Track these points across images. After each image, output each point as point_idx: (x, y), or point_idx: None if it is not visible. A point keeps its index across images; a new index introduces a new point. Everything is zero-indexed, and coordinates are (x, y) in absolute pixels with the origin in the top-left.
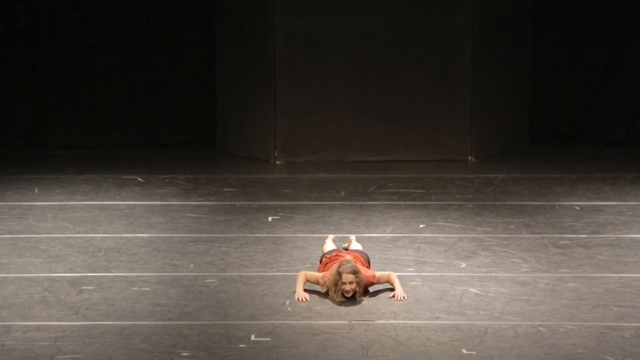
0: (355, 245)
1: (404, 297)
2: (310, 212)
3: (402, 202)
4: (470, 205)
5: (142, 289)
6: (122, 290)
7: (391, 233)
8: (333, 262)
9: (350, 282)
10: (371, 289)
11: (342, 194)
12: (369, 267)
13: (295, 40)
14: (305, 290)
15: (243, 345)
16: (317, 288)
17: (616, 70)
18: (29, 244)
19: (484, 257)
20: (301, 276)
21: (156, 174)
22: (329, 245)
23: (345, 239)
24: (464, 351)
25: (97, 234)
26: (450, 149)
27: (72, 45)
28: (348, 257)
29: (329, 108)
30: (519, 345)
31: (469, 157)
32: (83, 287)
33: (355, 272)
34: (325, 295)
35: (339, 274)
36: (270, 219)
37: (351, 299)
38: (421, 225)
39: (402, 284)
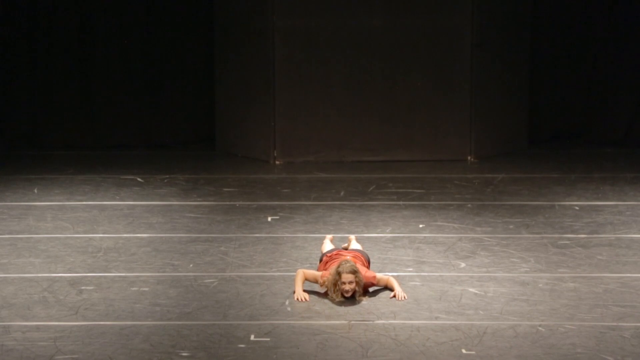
0: (354, 245)
1: (404, 297)
2: (310, 212)
3: (401, 202)
4: (469, 205)
5: (141, 289)
6: (122, 291)
7: (390, 233)
8: (333, 261)
9: (350, 282)
10: (371, 289)
11: (342, 194)
12: (368, 267)
13: (295, 41)
14: (304, 290)
15: (242, 346)
16: (317, 288)
17: (615, 71)
18: (28, 244)
19: (484, 257)
20: (300, 275)
21: (155, 174)
22: (328, 246)
23: (344, 239)
24: (464, 351)
25: (97, 234)
26: (449, 149)
27: (71, 46)
28: (348, 257)
29: (328, 108)
30: (518, 345)
31: (468, 157)
32: (82, 287)
33: (354, 272)
34: (325, 295)
35: (339, 273)
36: (269, 219)
37: (350, 299)
38: (420, 225)
39: (402, 284)
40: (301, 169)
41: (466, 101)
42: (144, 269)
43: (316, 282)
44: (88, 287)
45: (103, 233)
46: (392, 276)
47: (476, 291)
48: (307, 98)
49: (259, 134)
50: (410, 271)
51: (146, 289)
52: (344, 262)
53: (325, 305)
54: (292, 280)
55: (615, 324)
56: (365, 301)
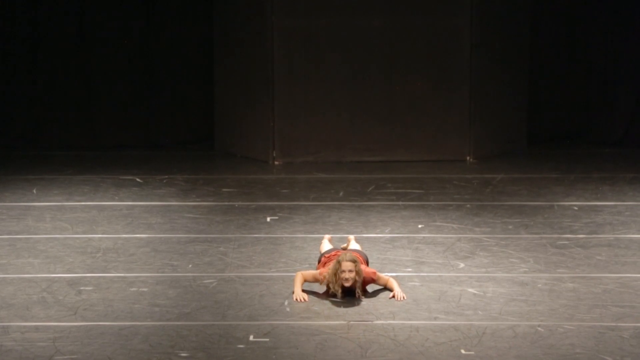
0: (353, 245)
1: (403, 298)
2: (309, 212)
3: (400, 203)
4: (468, 206)
5: (140, 289)
6: (121, 291)
7: (390, 233)
8: (332, 260)
9: (350, 271)
10: (370, 289)
11: (341, 194)
12: (367, 266)
13: (294, 41)
14: (303, 290)
15: (241, 346)
16: (316, 288)
17: (614, 71)
18: (27, 245)
19: (483, 258)
20: (298, 277)
21: (154, 174)
22: (326, 246)
23: (343, 239)
24: (463, 351)
25: (96, 235)
26: (448, 149)
27: (70, 46)
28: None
29: (328, 108)
30: (517, 345)
31: (468, 158)
32: (81, 288)
33: (354, 261)
34: (324, 295)
35: (339, 262)
36: (268, 219)
37: (350, 298)
38: (420, 226)
39: (401, 285)
40: (300, 169)
41: (465, 101)
42: (143, 269)
43: (316, 281)
44: (87, 288)
45: (102, 233)
46: (392, 277)
47: (475, 291)
48: (306, 98)
49: (258, 134)
50: (409, 271)
51: (145, 289)
52: (344, 253)
53: (324, 305)
54: (291, 281)
55: (614, 324)
56: (365, 301)
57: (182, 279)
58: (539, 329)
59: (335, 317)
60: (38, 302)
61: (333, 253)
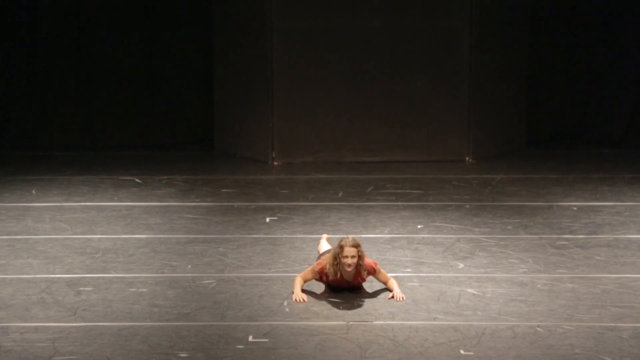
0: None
1: (402, 298)
2: (308, 213)
3: (399, 203)
4: (468, 206)
5: (139, 290)
6: (120, 292)
7: (389, 234)
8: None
9: (352, 256)
10: (370, 290)
11: (340, 194)
12: None
13: (293, 41)
14: (302, 291)
15: (241, 346)
16: (315, 289)
17: (613, 71)
18: (26, 245)
19: (482, 258)
20: (298, 280)
21: (154, 175)
22: (324, 246)
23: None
24: (462, 352)
25: (95, 235)
26: (447, 150)
27: (69, 47)
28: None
29: (327, 109)
30: (516, 345)
31: (467, 158)
32: (81, 288)
33: (357, 246)
34: (323, 295)
35: (341, 247)
36: (268, 219)
37: (349, 297)
38: (419, 226)
39: (401, 285)
40: (300, 170)
41: (464, 102)
42: (142, 270)
43: (314, 274)
44: (86, 288)
45: (101, 234)
46: (392, 277)
47: (474, 292)
48: (305, 99)
49: (258, 134)
50: (408, 272)
51: (144, 289)
52: (345, 237)
53: (323, 306)
54: (291, 281)
55: (613, 324)
56: (364, 301)
57: (181, 279)
58: (538, 329)
59: (334, 318)
60: (37, 303)
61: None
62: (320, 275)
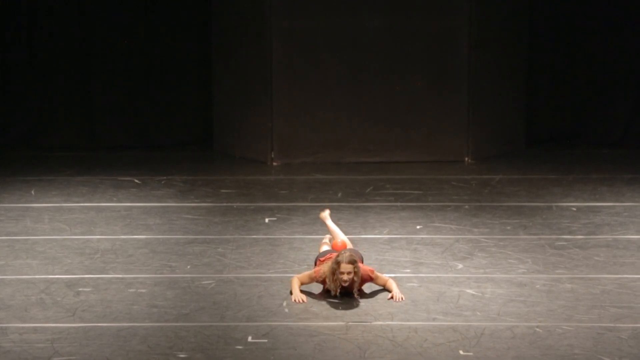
0: (341, 236)
1: (402, 299)
2: (307, 213)
3: (398, 203)
4: (467, 207)
5: (138, 290)
6: (119, 292)
7: (388, 234)
8: (328, 261)
9: (349, 273)
10: (368, 290)
11: (339, 195)
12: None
13: (292, 41)
14: (301, 291)
15: (240, 347)
16: (314, 289)
17: (613, 72)
18: (25, 246)
19: (481, 258)
20: (295, 280)
21: (153, 175)
22: (326, 246)
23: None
24: (461, 352)
25: (94, 236)
26: (447, 150)
27: (69, 47)
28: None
29: (326, 109)
30: (515, 346)
31: (466, 158)
32: (80, 289)
33: (353, 262)
34: (321, 295)
35: (337, 263)
36: (267, 220)
37: (348, 298)
38: (418, 227)
39: (400, 285)
40: (299, 170)
41: (464, 102)
42: (142, 270)
43: (312, 280)
44: (85, 289)
45: (100, 234)
46: (391, 278)
47: (474, 292)
48: (304, 99)
49: (257, 135)
50: (407, 272)
51: (143, 290)
52: (343, 252)
53: (322, 306)
54: (290, 281)
55: (612, 325)
56: (363, 302)
57: (180, 280)
58: (538, 329)
59: (333, 318)
60: (36, 303)
61: (327, 255)
62: (317, 281)
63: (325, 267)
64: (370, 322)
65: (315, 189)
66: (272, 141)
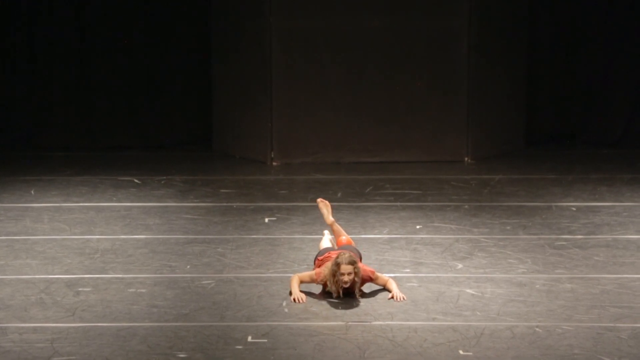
0: (326, 241)
1: (402, 298)
2: (307, 213)
3: (398, 203)
4: (466, 206)
5: (138, 290)
6: (119, 292)
7: (388, 234)
8: (327, 261)
9: (349, 273)
10: (368, 290)
11: (339, 195)
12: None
13: (292, 41)
14: (300, 291)
15: (240, 347)
16: (314, 289)
17: (612, 72)
18: (25, 246)
19: (481, 258)
20: (295, 279)
21: (153, 175)
22: (325, 242)
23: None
24: (461, 352)
25: (94, 236)
26: (446, 150)
27: (68, 47)
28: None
29: (326, 109)
30: (515, 346)
31: (466, 158)
32: (79, 289)
33: (353, 263)
34: (322, 295)
35: (337, 264)
36: (266, 220)
37: (348, 298)
38: (418, 227)
39: (399, 285)
40: (298, 170)
41: (463, 102)
42: (141, 270)
43: (312, 281)
44: (85, 289)
45: (100, 234)
46: (391, 278)
47: (473, 292)
48: (304, 99)
49: (256, 135)
50: (407, 272)
51: (143, 290)
52: (342, 254)
53: (322, 306)
54: (290, 281)
55: (612, 324)
56: (363, 302)
57: (180, 280)
58: (537, 329)
59: (333, 318)
60: (36, 303)
61: (327, 255)
62: (318, 282)
63: (325, 270)
64: (370, 322)
65: (315, 189)
66: (271, 141)
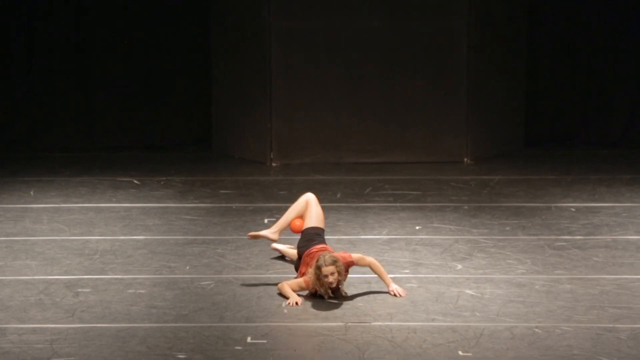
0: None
1: (400, 294)
2: None
3: (398, 204)
4: (466, 207)
5: (138, 291)
6: (118, 293)
7: (387, 235)
8: (314, 259)
9: (332, 273)
10: (367, 289)
11: (338, 195)
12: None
13: (292, 42)
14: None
15: (239, 348)
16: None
17: (612, 72)
18: (24, 247)
19: (480, 259)
20: (286, 286)
21: (152, 176)
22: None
23: (341, 241)
24: (460, 353)
25: (93, 237)
26: (446, 151)
27: (67, 48)
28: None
29: (325, 110)
30: (515, 346)
31: (465, 159)
32: (79, 290)
33: (334, 262)
34: (314, 296)
35: (319, 268)
36: (266, 220)
37: (347, 298)
38: (417, 227)
39: (399, 286)
40: (298, 171)
41: (463, 103)
42: (141, 271)
43: (302, 289)
44: (84, 290)
45: (99, 235)
46: (375, 260)
47: (473, 293)
48: (303, 100)
49: (256, 135)
50: (406, 273)
51: (143, 291)
52: (321, 256)
53: (321, 307)
54: (279, 288)
55: (611, 325)
56: (362, 302)
57: (179, 280)
58: (537, 330)
59: (332, 319)
60: (35, 304)
61: (314, 250)
62: (308, 290)
63: (311, 276)
64: (370, 322)
65: (314, 190)
66: (271, 142)
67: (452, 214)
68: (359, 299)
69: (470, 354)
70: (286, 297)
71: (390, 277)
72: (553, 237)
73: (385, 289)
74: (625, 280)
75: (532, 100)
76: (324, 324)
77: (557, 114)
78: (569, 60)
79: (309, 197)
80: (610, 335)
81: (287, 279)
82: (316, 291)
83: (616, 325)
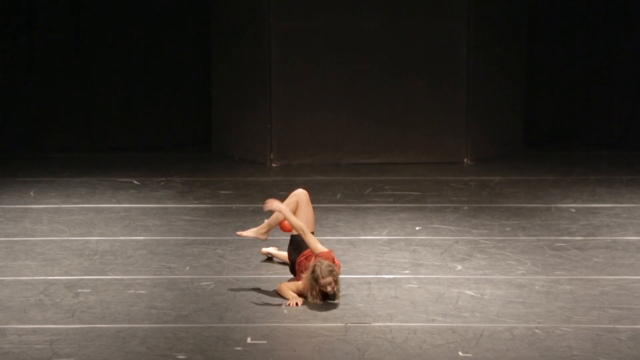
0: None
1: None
2: None
3: (397, 205)
4: (466, 208)
5: (138, 291)
6: (118, 293)
7: (387, 235)
8: (304, 266)
9: (330, 283)
10: (367, 291)
11: (338, 196)
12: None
13: (291, 43)
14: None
15: (239, 348)
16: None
17: (612, 73)
18: (24, 247)
19: (480, 260)
20: (283, 287)
21: (152, 176)
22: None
23: (341, 241)
24: (460, 353)
25: (93, 237)
26: (446, 151)
27: (67, 49)
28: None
29: (325, 110)
30: (514, 347)
31: (465, 160)
32: (79, 290)
33: (332, 272)
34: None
35: (316, 279)
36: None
37: (348, 300)
38: (417, 228)
39: (398, 287)
40: (298, 172)
41: (463, 103)
42: (141, 271)
43: (299, 292)
44: (84, 290)
45: (99, 236)
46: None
47: (473, 293)
48: (303, 100)
49: (256, 136)
50: (406, 274)
51: (142, 291)
52: (317, 267)
53: (321, 307)
54: (278, 289)
55: (611, 326)
56: (362, 303)
57: (179, 281)
58: (537, 331)
59: (332, 319)
60: (35, 305)
61: (302, 259)
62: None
63: (307, 284)
64: (369, 323)
65: (314, 190)
66: (271, 142)
67: (452, 215)
68: (358, 299)
69: (470, 355)
70: (286, 298)
71: (391, 277)
72: (553, 237)
73: (385, 289)
74: (625, 281)
75: (532, 100)
76: (323, 324)
77: (556, 114)
78: (568, 61)
79: (300, 197)
80: (610, 336)
81: (287, 279)
82: (306, 298)
83: (616, 326)
